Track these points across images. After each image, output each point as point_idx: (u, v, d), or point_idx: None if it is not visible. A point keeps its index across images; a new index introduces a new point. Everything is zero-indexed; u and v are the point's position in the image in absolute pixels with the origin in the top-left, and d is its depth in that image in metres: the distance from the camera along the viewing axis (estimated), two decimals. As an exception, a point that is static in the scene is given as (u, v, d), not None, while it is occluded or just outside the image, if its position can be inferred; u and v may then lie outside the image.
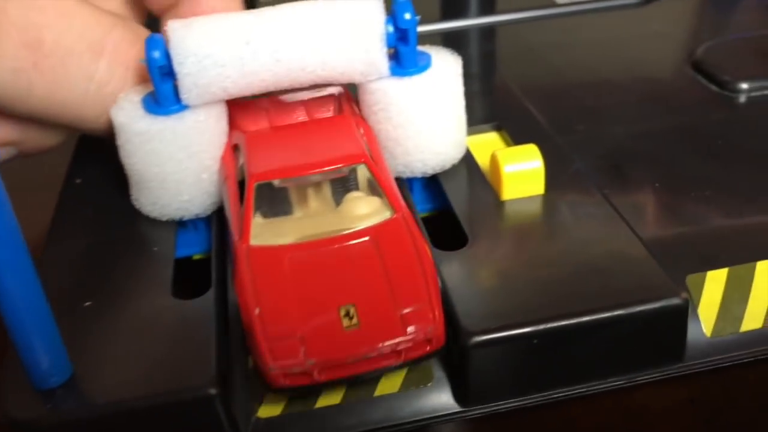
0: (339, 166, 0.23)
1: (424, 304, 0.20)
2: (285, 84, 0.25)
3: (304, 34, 0.25)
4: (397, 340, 0.20)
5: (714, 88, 0.34)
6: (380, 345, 0.20)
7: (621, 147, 0.30)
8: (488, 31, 0.43)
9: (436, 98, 0.26)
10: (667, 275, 0.23)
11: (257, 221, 0.23)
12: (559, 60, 0.38)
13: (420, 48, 0.26)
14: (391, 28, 0.25)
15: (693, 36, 0.39)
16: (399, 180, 0.27)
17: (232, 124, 0.27)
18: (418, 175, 0.27)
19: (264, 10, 0.25)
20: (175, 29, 0.24)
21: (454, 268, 0.23)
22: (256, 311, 0.20)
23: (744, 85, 0.33)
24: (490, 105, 0.33)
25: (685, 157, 0.29)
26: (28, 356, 0.20)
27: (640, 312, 0.21)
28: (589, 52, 0.38)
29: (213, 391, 0.20)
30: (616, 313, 0.21)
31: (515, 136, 0.30)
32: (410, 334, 0.20)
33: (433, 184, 0.28)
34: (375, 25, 0.25)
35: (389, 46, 0.26)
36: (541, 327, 0.21)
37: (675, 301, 0.22)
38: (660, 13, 0.42)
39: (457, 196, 0.27)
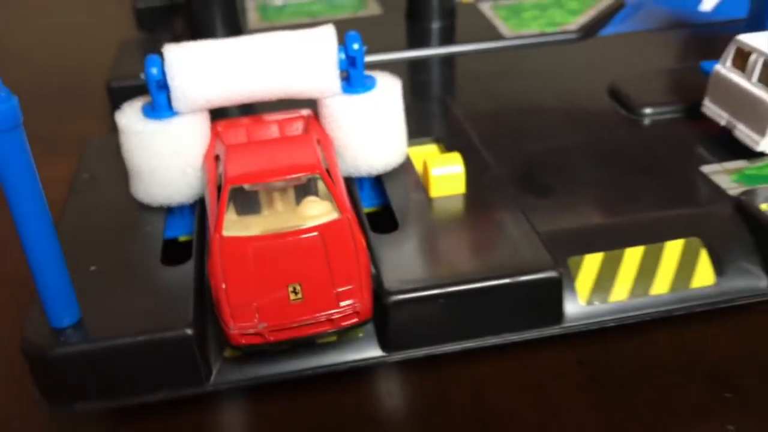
0: (298, 175, 0.29)
1: (355, 286, 0.26)
2: (257, 97, 0.32)
3: (274, 59, 0.31)
4: (331, 312, 0.26)
5: (624, 112, 0.40)
6: (318, 314, 0.25)
7: (535, 159, 0.36)
8: (448, 59, 0.50)
9: (379, 113, 0.32)
10: (552, 256, 0.29)
11: (231, 218, 0.29)
12: (499, 86, 0.44)
13: (367, 72, 0.33)
14: (342, 56, 0.32)
15: (614, 68, 0.45)
16: (350, 179, 0.34)
17: (217, 137, 0.33)
18: (365, 175, 0.34)
19: (243, 38, 0.31)
20: (170, 51, 0.31)
21: (386, 247, 0.30)
22: (223, 286, 0.26)
23: (647, 110, 0.39)
24: (433, 122, 0.39)
25: (586, 167, 0.35)
26: (48, 302, 0.26)
27: (523, 281, 0.28)
28: (525, 80, 0.45)
29: (189, 332, 0.26)
30: (503, 281, 0.27)
31: (449, 148, 0.36)
32: (342, 307, 0.26)
33: (379, 183, 0.34)
34: (330, 53, 0.31)
35: (341, 69, 0.32)
36: (445, 290, 0.27)
37: (551, 273, 0.28)
38: (591, 48, 0.48)
39: (395, 193, 0.33)
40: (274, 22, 0.56)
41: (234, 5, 0.51)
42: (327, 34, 0.31)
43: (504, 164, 0.35)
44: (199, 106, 0.31)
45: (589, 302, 0.29)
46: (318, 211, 0.28)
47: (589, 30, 0.50)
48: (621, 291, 0.29)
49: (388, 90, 0.33)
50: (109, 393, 0.27)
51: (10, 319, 0.34)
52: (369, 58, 0.45)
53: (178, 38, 0.51)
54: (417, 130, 0.37)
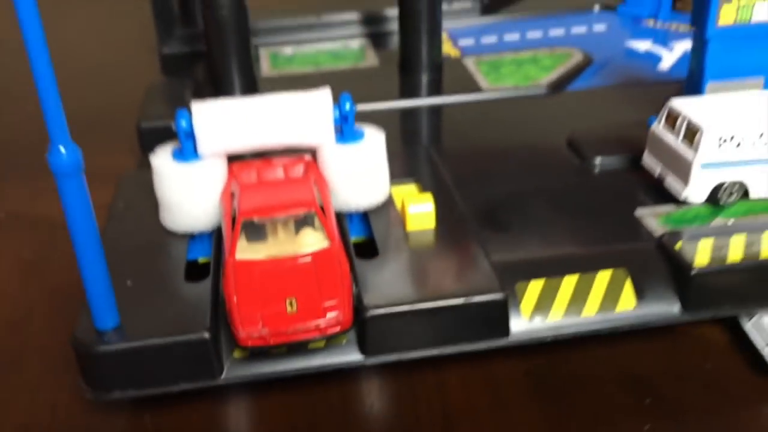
0: (297, 210, 0.35)
1: (339, 301, 0.32)
2: (267, 147, 0.39)
3: (281, 117, 0.38)
4: (319, 321, 0.32)
5: (578, 161, 0.47)
6: (308, 323, 0.32)
7: (498, 200, 0.43)
8: (434, 109, 0.57)
9: (365, 160, 0.39)
10: (501, 281, 0.35)
11: (242, 244, 0.35)
12: (475, 134, 0.51)
13: (357, 125, 0.40)
14: (337, 113, 0.38)
15: (575, 120, 0.52)
16: (341, 214, 0.40)
17: (233, 176, 0.40)
18: (354, 211, 0.40)
19: (257, 98, 0.38)
20: (197, 106, 0.38)
21: (368, 270, 0.36)
22: (234, 299, 0.32)
23: (597, 160, 0.46)
24: (415, 165, 0.46)
25: (539, 208, 0.42)
26: (94, 309, 0.33)
27: (475, 301, 0.34)
28: (497, 130, 0.51)
29: (206, 335, 0.33)
30: (458, 301, 0.34)
31: (425, 188, 0.43)
32: (328, 318, 0.32)
33: (365, 218, 0.41)
34: (326, 113, 0.38)
35: (336, 124, 0.39)
36: (413, 307, 0.34)
37: (498, 296, 0.35)
38: (557, 102, 0.55)
39: (378, 226, 0.39)
40: (282, 70, 0.64)
41: (249, 54, 0.58)
42: (324, 97, 0.38)
43: (471, 203, 0.42)
44: (219, 152, 0.38)
45: (531, 320, 0.36)
46: (312, 241, 0.35)
47: (558, 85, 0.57)
48: (558, 312, 0.36)
49: (374, 141, 0.39)
50: (140, 383, 0.33)
51: (59, 323, 0.40)
52: (366, 107, 0.52)
53: (198, 83, 0.59)
54: (401, 172, 0.44)
